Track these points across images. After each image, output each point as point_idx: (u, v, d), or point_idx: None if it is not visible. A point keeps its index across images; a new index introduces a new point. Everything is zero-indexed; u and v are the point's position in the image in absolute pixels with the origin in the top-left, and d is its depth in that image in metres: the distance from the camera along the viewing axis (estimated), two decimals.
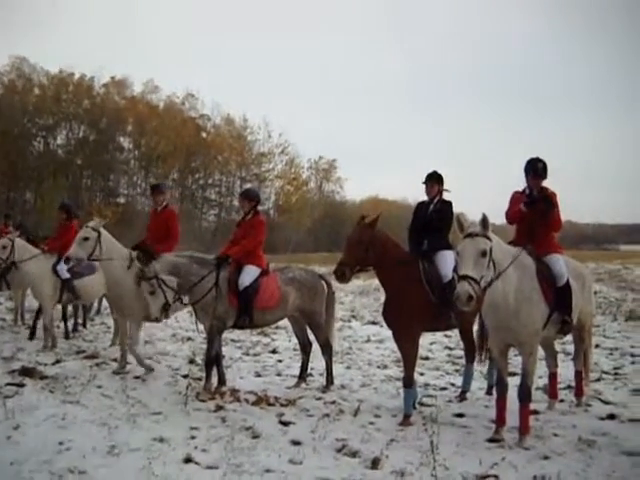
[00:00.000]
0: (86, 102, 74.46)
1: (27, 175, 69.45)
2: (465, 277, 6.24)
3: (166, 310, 8.81)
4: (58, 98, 72.60)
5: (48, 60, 72.14)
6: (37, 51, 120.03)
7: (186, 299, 9.24)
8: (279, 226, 74.65)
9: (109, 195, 75.85)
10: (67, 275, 11.89)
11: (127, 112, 75.64)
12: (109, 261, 10.04)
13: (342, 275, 7.66)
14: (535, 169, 7.56)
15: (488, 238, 6.44)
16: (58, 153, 73.74)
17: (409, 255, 8.15)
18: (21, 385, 8.77)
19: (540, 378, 9.07)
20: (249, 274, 9.08)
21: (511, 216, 7.69)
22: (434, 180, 8.54)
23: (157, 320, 9.05)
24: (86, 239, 9.86)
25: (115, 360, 10.52)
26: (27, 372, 9.42)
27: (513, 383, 7.42)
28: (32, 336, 12.73)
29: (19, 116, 67.91)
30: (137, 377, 9.72)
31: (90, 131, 74.26)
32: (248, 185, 72.17)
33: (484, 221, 6.49)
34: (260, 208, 9.68)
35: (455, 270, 7.06)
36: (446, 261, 8.03)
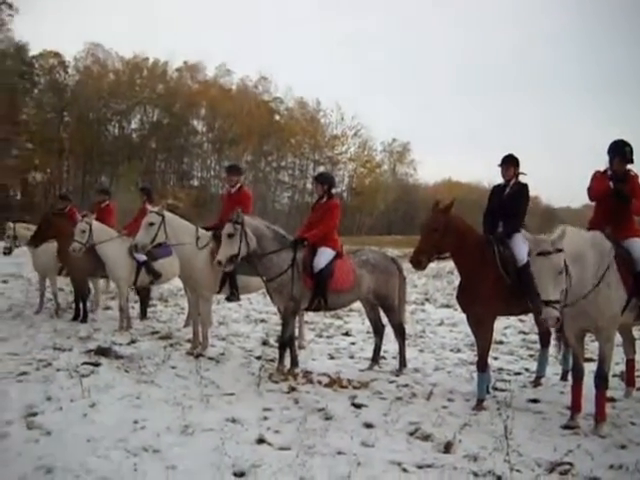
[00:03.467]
0: (160, 86, 75.55)
1: (102, 159, 70.95)
2: (548, 303, 6.16)
3: (232, 262, 8.82)
4: (132, 83, 73.86)
5: (122, 45, 73.15)
6: (111, 37, 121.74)
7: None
8: (352, 209, 74.60)
9: (183, 178, 76.88)
10: (144, 258, 12.03)
11: (200, 96, 76.43)
12: (177, 240, 10.14)
13: (418, 263, 7.61)
14: (622, 152, 7.38)
15: (561, 250, 6.28)
16: (132, 137, 75.08)
17: (485, 239, 8.06)
18: (97, 364, 8.95)
19: (617, 365, 8.93)
20: (324, 256, 9.07)
21: (595, 192, 7.50)
22: (510, 162, 8.42)
23: (219, 264, 8.82)
24: (151, 224, 9.93)
25: (189, 341, 10.68)
26: (103, 352, 9.59)
27: (589, 369, 7.29)
28: (78, 317, 12.92)
29: (94, 101, 69.40)
30: (211, 358, 9.82)
31: (164, 115, 75.30)
32: (321, 168, 72.35)
33: (559, 236, 6.33)
34: (333, 191, 9.65)
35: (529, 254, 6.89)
36: (521, 244, 7.90)
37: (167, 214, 10.15)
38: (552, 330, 8.63)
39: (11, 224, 14.18)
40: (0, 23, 53.39)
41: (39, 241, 12.87)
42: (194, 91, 76.90)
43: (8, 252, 14.19)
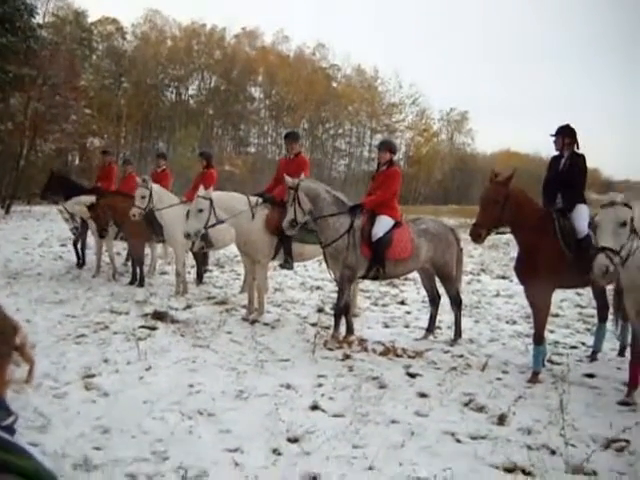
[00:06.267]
0: (217, 53, 75.93)
1: (159, 125, 71.74)
2: (603, 249, 6.03)
3: (293, 226, 8.91)
4: (190, 49, 74.38)
5: (180, 12, 73.46)
6: (169, 3, 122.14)
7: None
8: (409, 178, 74.24)
9: (240, 144, 77.18)
10: None
11: (258, 62, 76.64)
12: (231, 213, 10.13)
13: (478, 236, 7.51)
14: None
15: (629, 206, 6.17)
16: (190, 103, 75.74)
17: (545, 212, 7.94)
18: (153, 328, 9.12)
19: None
20: (383, 225, 9.02)
21: None
22: (563, 133, 8.27)
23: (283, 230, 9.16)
24: (200, 211, 9.89)
25: (244, 307, 10.74)
26: (159, 316, 9.75)
27: None
28: (134, 281, 13.10)
29: (152, 67, 70.17)
30: (266, 324, 9.89)
31: (221, 81, 75.76)
32: (378, 136, 72.23)
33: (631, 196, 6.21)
34: (395, 158, 9.61)
35: (590, 226, 6.80)
36: (581, 216, 7.79)
37: (214, 195, 10.07)
38: (610, 304, 8.53)
39: (61, 207, 14.32)
40: None
41: (105, 228, 13.14)
42: (251, 58, 77.02)
43: (76, 231, 14.47)
